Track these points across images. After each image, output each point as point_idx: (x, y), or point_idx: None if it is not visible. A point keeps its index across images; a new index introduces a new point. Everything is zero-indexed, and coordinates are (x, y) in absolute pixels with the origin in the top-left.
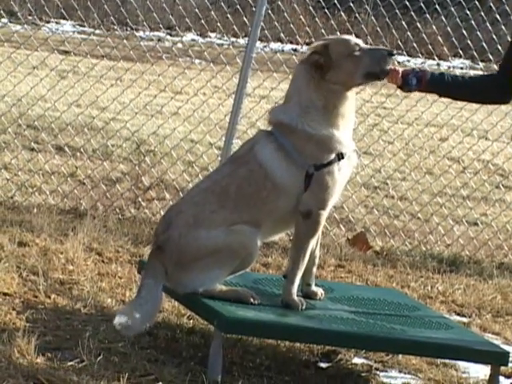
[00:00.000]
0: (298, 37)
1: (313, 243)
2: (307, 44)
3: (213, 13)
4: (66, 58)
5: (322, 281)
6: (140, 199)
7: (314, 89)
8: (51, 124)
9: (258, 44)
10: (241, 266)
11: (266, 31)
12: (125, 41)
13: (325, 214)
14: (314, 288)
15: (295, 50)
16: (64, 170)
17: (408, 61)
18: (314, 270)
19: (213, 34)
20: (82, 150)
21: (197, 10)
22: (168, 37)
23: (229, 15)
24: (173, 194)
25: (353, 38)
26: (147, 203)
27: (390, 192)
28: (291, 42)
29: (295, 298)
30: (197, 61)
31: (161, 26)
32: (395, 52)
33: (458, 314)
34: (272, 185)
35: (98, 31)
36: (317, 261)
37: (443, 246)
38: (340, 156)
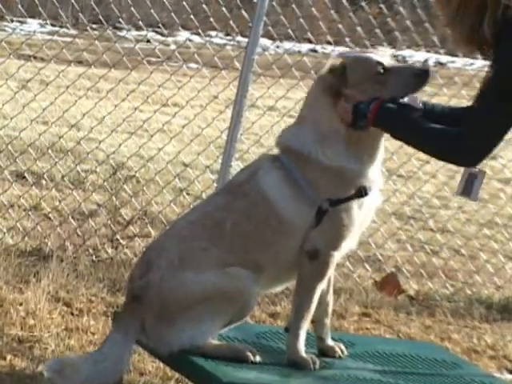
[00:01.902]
0: (311, 35)
1: (321, 289)
2: (329, 43)
3: (206, 8)
4: (29, 64)
5: (343, 333)
6: (118, 237)
7: (335, 113)
8: (8, 146)
9: (269, 44)
10: (236, 317)
11: (269, 28)
12: (103, 43)
13: (336, 256)
14: (329, 342)
15: (314, 51)
16: (25, 202)
17: (453, 61)
18: (327, 321)
19: (213, 33)
20: (46, 176)
21: (186, 6)
22: (158, 36)
23: (225, 9)
24: (159, 230)
25: (375, 56)
26: (127, 241)
27: (426, 223)
28: (309, 42)
29: (303, 354)
30: (192, 65)
31: (139, 23)
32: (431, 69)
33: (511, 372)
34: (277, 222)
35: (71, 31)
36: (330, 310)
37: (493, 289)
38: (362, 191)
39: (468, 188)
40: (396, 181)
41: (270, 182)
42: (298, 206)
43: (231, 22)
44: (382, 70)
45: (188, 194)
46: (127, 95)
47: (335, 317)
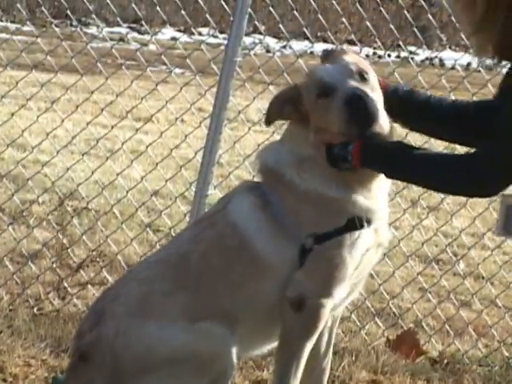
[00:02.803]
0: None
1: (309, 348)
2: (348, 42)
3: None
4: None
5: None
6: (66, 284)
7: (306, 136)
8: None
9: (274, 44)
10: None
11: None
12: (67, 42)
13: (328, 306)
14: None
15: None
16: None
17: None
18: None
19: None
20: None
21: None
22: (135, 34)
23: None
24: (118, 275)
25: (328, 69)
26: (78, 290)
27: (455, 266)
28: (324, 41)
29: None
30: (176, 70)
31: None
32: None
33: None
34: (249, 260)
35: (26, 28)
36: (325, 378)
37: None
38: (356, 222)
39: (509, 225)
40: (416, 214)
41: (241, 212)
42: (274, 241)
43: (208, 17)
44: (322, 93)
45: (158, 230)
46: (77, 106)
47: None
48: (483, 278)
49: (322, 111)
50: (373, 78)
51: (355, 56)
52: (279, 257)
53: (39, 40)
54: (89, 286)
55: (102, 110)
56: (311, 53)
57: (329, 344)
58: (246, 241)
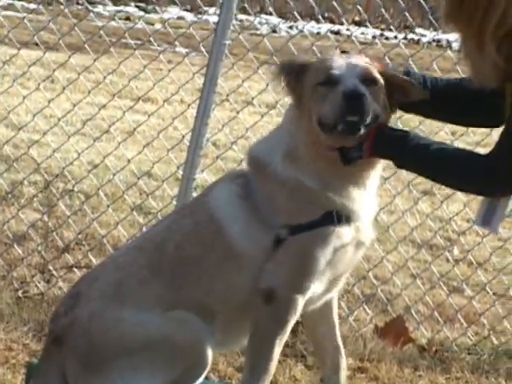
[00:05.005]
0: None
1: (282, 341)
2: (355, 23)
3: None
4: None
5: None
6: (52, 267)
7: (302, 125)
8: None
9: (281, 24)
10: (185, 378)
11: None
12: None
13: (299, 300)
14: None
15: (337, 33)
16: None
17: None
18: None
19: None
20: None
21: None
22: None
23: None
24: (105, 258)
25: (336, 58)
26: (64, 273)
27: (447, 252)
28: (332, 21)
29: None
30: (181, 50)
31: None
32: (361, 92)
33: None
34: (225, 249)
35: (32, 5)
36: (343, 362)
37: None
38: (333, 217)
39: (489, 217)
40: (412, 198)
41: (220, 199)
42: (250, 230)
43: None
44: (325, 81)
45: (149, 212)
46: (64, 88)
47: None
48: (474, 263)
49: (318, 97)
50: (379, 88)
51: (371, 64)
52: (254, 246)
53: (44, 18)
54: (75, 269)
55: (89, 92)
56: (318, 33)
57: (332, 323)
58: (222, 230)
